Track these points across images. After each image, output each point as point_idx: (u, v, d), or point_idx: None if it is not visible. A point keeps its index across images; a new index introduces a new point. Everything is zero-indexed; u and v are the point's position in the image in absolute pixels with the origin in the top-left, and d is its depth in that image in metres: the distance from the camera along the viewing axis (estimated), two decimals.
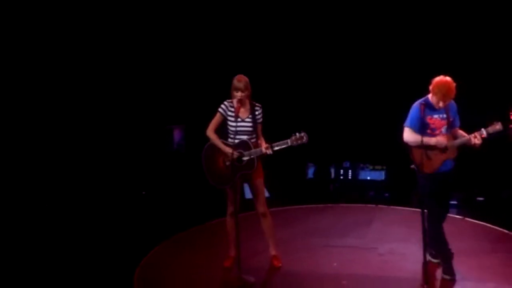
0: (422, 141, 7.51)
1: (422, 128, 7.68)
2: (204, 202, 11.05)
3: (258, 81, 8.51)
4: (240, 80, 8.08)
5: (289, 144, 7.92)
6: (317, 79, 12.55)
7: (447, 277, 7.93)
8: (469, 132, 7.68)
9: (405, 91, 11.82)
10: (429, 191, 7.76)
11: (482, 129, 7.52)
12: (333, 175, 12.71)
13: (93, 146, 12.31)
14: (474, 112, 9.11)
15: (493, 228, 9.68)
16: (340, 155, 12.73)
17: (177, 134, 13.00)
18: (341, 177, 12.68)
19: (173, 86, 12.70)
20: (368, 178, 12.62)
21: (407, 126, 7.80)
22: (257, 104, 8.24)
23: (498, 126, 7.46)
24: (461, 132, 7.83)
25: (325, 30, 12.39)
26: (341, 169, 12.68)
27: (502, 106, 9.31)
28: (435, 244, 7.99)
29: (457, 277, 7.89)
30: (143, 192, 12.26)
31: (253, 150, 8.08)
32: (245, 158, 8.07)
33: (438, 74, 7.66)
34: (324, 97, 12.57)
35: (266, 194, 8.75)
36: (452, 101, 7.76)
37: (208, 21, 12.44)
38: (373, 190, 12.46)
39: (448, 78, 7.59)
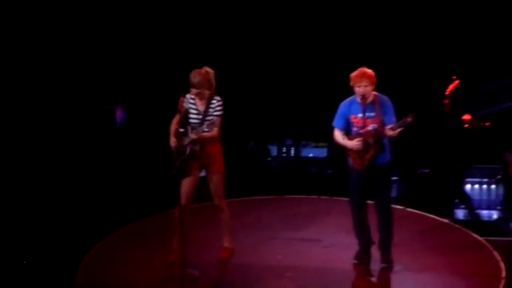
0: (341, 142, 7.89)
1: (348, 125, 7.87)
2: (148, 185, 11.02)
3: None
4: (195, 75, 7.99)
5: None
6: (258, 58, 12.56)
7: (355, 261, 8.20)
8: None
9: (345, 69, 12.05)
10: (353, 181, 7.97)
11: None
12: (275, 152, 12.73)
13: (37, 127, 12.09)
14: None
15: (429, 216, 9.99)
16: (283, 133, 12.78)
17: (119, 114, 12.84)
18: (284, 155, 12.73)
19: (114, 65, 12.55)
20: (311, 155, 12.69)
21: (334, 126, 7.96)
22: (215, 97, 8.16)
23: (409, 119, 7.43)
24: None
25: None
26: (284, 146, 12.74)
27: None
28: (354, 230, 8.21)
29: (399, 267, 8.10)
30: (86, 172, 12.09)
31: (187, 137, 8.03)
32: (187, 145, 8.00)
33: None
34: (266, 77, 12.60)
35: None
36: (385, 97, 7.82)
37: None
38: (315, 166, 12.54)
39: (362, 68, 7.74)
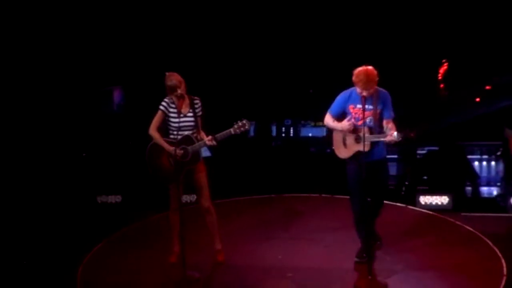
0: (330, 124, 7.96)
1: (343, 115, 7.86)
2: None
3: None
4: (171, 79, 7.90)
5: (232, 133, 7.82)
6: (258, 40, 12.48)
7: (356, 259, 8.15)
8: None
9: (342, 53, 11.99)
10: (352, 177, 7.91)
11: (395, 133, 7.50)
12: (274, 132, 12.65)
13: (34, 110, 11.98)
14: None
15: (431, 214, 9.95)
16: (282, 113, 12.69)
17: (116, 95, 12.71)
18: (283, 135, 12.65)
19: (111, 46, 12.43)
20: (310, 134, 12.62)
21: (329, 111, 8.00)
22: (195, 98, 8.09)
23: (411, 134, 7.51)
24: (391, 125, 7.76)
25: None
26: (283, 126, 12.65)
27: None
28: (356, 227, 8.17)
29: (401, 266, 8.09)
30: (84, 154, 12.03)
31: (196, 144, 7.95)
32: (189, 152, 7.91)
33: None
34: (262, 58, 12.48)
35: (208, 153, 8.63)
36: (385, 92, 7.80)
37: None
38: (314, 146, 12.48)
39: (368, 67, 7.62)
